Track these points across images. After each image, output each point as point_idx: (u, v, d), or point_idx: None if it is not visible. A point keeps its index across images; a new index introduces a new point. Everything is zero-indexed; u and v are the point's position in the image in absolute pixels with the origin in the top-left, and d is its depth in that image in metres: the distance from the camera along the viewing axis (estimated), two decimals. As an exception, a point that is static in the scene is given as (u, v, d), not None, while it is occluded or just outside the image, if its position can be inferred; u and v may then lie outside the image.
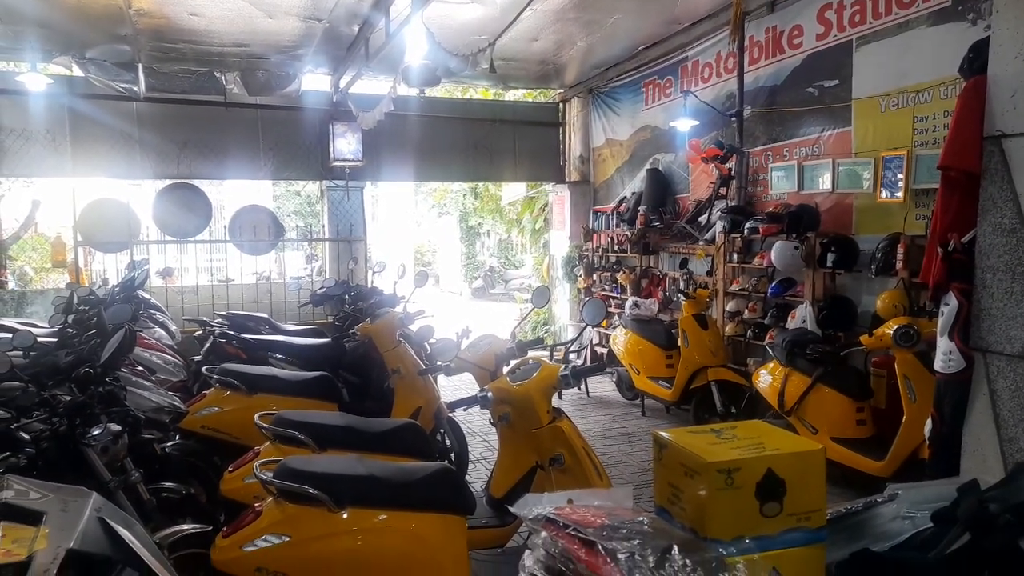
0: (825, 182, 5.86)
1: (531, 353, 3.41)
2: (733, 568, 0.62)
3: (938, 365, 2.79)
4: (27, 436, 2.49)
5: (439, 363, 3.45)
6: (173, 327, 6.65)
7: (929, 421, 3.01)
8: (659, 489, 0.85)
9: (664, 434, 0.85)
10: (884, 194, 5.27)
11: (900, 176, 5.12)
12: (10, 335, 3.77)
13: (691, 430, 0.86)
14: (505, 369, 3.15)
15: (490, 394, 2.90)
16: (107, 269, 8.76)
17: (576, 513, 0.71)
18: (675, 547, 0.64)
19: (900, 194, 5.13)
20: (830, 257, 5.47)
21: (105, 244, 8.09)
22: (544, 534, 0.74)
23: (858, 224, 5.62)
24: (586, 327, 3.55)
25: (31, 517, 0.53)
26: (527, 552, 0.76)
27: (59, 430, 2.62)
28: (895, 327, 4.35)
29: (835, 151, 5.79)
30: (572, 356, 2.87)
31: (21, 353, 3.58)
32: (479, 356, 3.46)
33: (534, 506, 0.74)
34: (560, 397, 3.83)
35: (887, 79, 5.27)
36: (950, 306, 2.65)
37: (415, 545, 2.62)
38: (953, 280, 2.63)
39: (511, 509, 0.76)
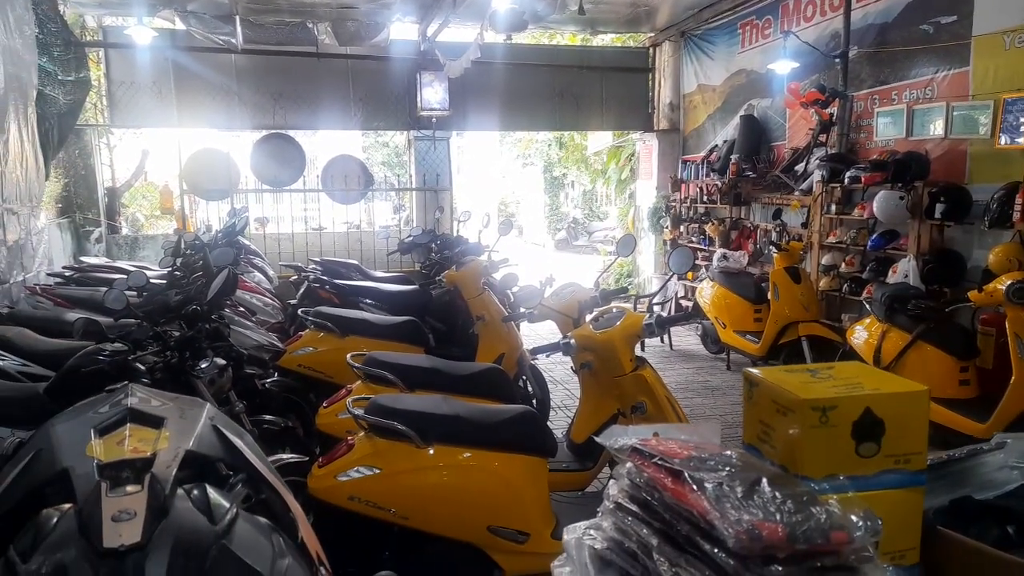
0: (937, 127, 5.47)
1: (614, 303, 3.40)
2: (825, 503, 0.61)
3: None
4: (142, 367, 2.69)
5: (523, 310, 3.48)
6: (271, 272, 6.98)
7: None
8: (748, 428, 0.84)
9: (756, 371, 0.83)
10: (1004, 140, 4.87)
11: (1023, 120, 4.71)
12: (125, 276, 4.05)
13: (785, 369, 0.84)
14: (588, 317, 3.14)
15: (573, 341, 2.92)
16: (210, 216, 9.22)
17: (663, 445, 0.71)
18: (764, 480, 0.63)
19: (1023, 140, 4.72)
20: (939, 208, 5.14)
21: (208, 192, 8.52)
22: (629, 464, 0.75)
23: (972, 173, 5.23)
24: (672, 276, 3.49)
25: (153, 421, 0.58)
26: (611, 482, 0.77)
27: (171, 362, 2.82)
28: (1008, 282, 4.06)
29: (950, 94, 5.38)
30: (656, 308, 2.83)
31: (135, 293, 3.87)
32: (562, 304, 3.47)
33: (620, 436, 0.75)
34: (643, 349, 3.80)
35: (1014, 12, 4.81)
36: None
37: (498, 483, 2.70)
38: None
39: (597, 439, 0.77)
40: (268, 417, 3.41)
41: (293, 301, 5.75)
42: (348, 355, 3.41)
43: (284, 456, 2.83)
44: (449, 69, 7.38)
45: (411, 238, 6.86)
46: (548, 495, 2.88)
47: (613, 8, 8.27)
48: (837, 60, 6.46)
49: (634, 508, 0.72)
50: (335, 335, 4.33)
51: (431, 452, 2.65)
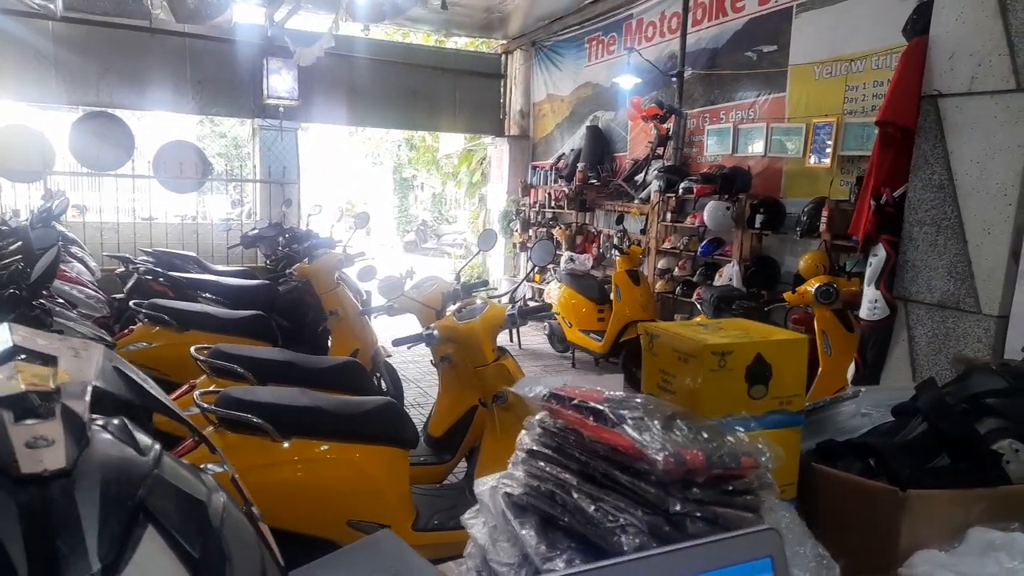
0: (758, 146, 6.06)
1: (476, 295, 3.44)
2: (733, 434, 0.67)
3: (864, 313, 2.99)
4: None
5: (386, 301, 3.43)
6: (92, 263, 6.34)
7: (852, 366, 3.22)
8: (648, 378, 0.90)
9: (655, 325, 0.90)
10: (813, 159, 5.50)
11: (829, 142, 5.34)
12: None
13: (679, 324, 0.92)
14: (451, 308, 3.17)
15: (436, 332, 2.92)
16: (17, 201, 8.20)
17: (578, 390, 0.75)
18: (677, 417, 0.69)
19: (828, 160, 5.36)
20: (759, 219, 5.70)
21: (15, 173, 7.57)
22: (541, 414, 0.78)
23: (786, 188, 5.85)
24: (534, 268, 3.60)
25: (44, 359, 0.52)
26: (523, 432, 0.80)
27: (-18, 354, 2.49)
28: (816, 285, 4.59)
29: (769, 116, 5.98)
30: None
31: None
32: (426, 295, 3.46)
33: (534, 385, 0.78)
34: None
35: (822, 47, 5.45)
36: (878, 257, 2.84)
37: (358, 476, 2.65)
38: (883, 232, 2.81)
39: (512, 390, 0.79)
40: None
41: (120, 295, 5.28)
42: (192, 348, 3.18)
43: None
44: (300, 57, 7.11)
45: (256, 231, 6.54)
46: (409, 487, 2.86)
47: (469, 12, 8.38)
48: (674, 79, 6.97)
49: (548, 452, 0.75)
50: (172, 329, 4.03)
51: (286, 446, 2.54)
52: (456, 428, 3.55)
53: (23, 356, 0.54)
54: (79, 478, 0.44)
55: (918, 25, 2.74)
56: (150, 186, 8.29)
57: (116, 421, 0.54)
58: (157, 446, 0.54)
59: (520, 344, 7.90)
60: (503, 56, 10.05)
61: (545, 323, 7.69)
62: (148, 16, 7.66)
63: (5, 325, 0.59)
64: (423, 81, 9.39)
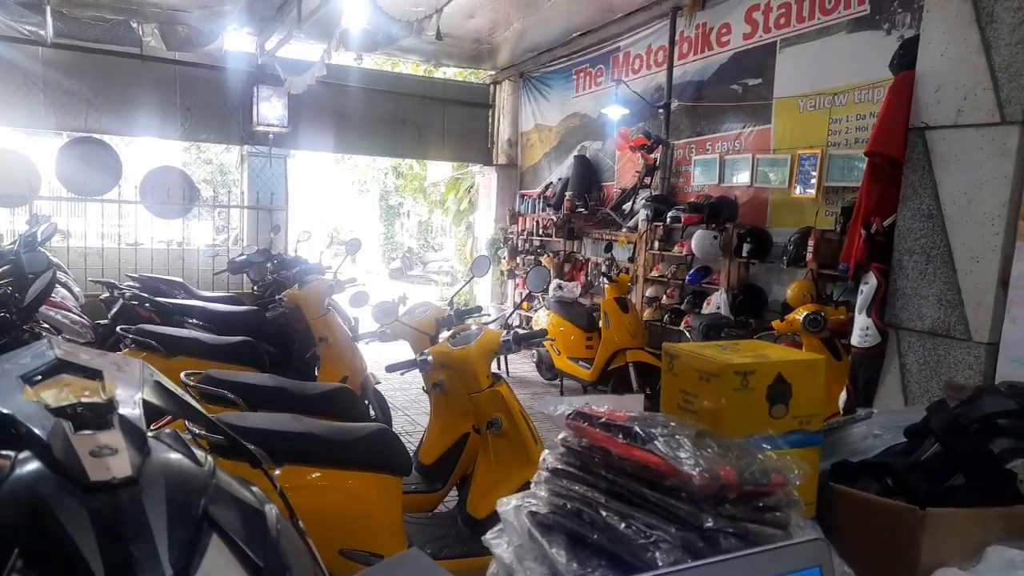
0: (744, 176, 6.15)
1: (468, 321, 3.44)
2: (761, 451, 0.68)
3: (855, 340, 3.02)
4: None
5: (379, 327, 3.42)
6: (76, 289, 6.27)
7: (844, 393, 3.24)
8: (668, 399, 0.90)
9: (674, 346, 0.91)
10: (798, 190, 5.59)
11: (814, 174, 5.44)
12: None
13: (698, 345, 0.92)
14: (444, 334, 3.16)
15: (430, 357, 2.91)
16: (1, 225, 8.12)
17: (601, 410, 0.75)
18: (705, 435, 0.69)
19: (813, 191, 5.45)
20: (746, 248, 5.75)
21: (1, 197, 7.50)
22: (564, 433, 0.78)
23: (772, 218, 5.93)
24: (527, 294, 3.60)
25: (90, 372, 0.51)
26: (546, 452, 0.80)
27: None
28: (804, 313, 4.62)
29: (755, 147, 6.08)
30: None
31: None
32: (420, 321, 3.46)
33: (558, 405, 0.78)
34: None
35: (806, 81, 5.58)
36: (869, 284, 2.88)
37: (351, 504, 2.61)
38: (873, 260, 2.85)
39: (543, 410, 0.79)
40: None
41: (104, 321, 5.21)
42: (182, 373, 3.14)
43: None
44: (291, 85, 7.16)
45: (244, 257, 6.50)
46: (401, 515, 2.82)
47: (458, 43, 8.49)
48: (661, 110, 7.09)
49: (573, 471, 0.75)
50: (161, 355, 3.97)
51: (278, 472, 2.51)
52: (447, 456, 3.52)
53: (68, 370, 0.54)
54: (145, 486, 0.43)
55: (904, 60, 2.81)
56: (136, 211, 8.24)
57: (168, 432, 0.54)
58: (210, 457, 0.54)
59: (508, 371, 7.87)
60: (492, 86, 10.17)
61: (533, 351, 7.68)
62: (139, 44, 7.70)
63: (44, 340, 0.58)
64: (412, 110, 9.48)
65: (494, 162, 10.07)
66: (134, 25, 7.59)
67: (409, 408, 6.41)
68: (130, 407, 0.51)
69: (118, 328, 4.23)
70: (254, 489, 0.57)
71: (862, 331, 2.89)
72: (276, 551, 0.48)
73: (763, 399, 0.84)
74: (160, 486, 0.44)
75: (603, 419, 0.72)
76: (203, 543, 0.44)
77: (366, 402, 4.74)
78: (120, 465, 0.43)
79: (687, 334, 5.73)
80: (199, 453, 0.54)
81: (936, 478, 0.92)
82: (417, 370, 3.03)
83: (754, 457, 0.66)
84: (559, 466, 0.76)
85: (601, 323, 6.59)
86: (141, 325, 4.30)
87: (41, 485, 0.41)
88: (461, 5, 6.78)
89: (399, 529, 2.80)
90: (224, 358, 4.15)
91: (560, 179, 8.72)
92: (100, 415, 0.47)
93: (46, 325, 4.32)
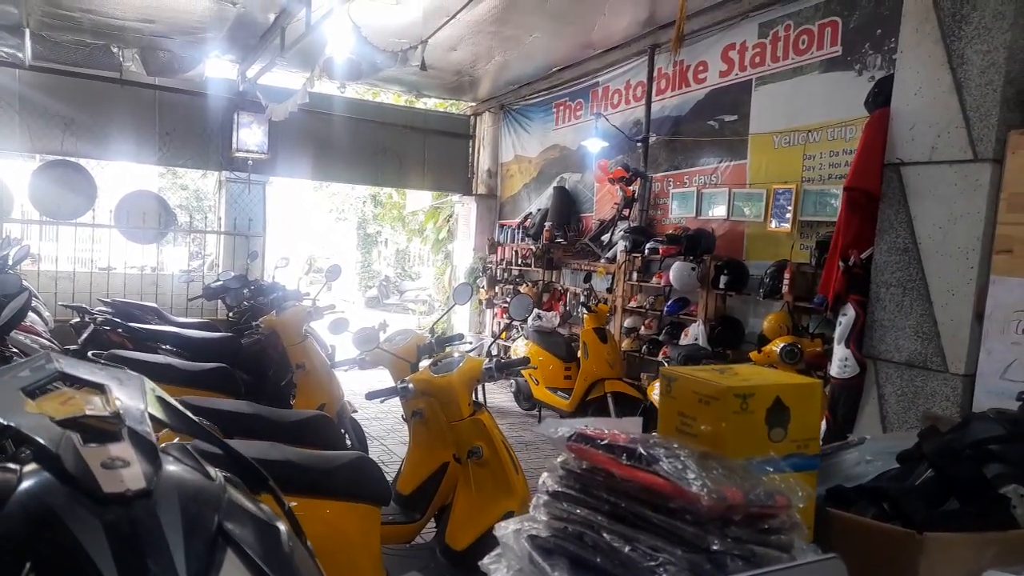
0: (720, 210, 6.25)
1: (449, 349, 3.42)
2: (764, 474, 0.68)
3: (834, 371, 3.05)
4: None
5: (359, 354, 3.39)
6: (46, 313, 6.14)
7: (823, 423, 3.27)
8: (666, 422, 0.90)
9: (673, 368, 0.91)
10: (773, 224, 5.69)
11: (789, 208, 5.54)
12: None
13: (695, 368, 0.93)
14: (426, 362, 3.14)
15: (411, 385, 2.88)
16: (-32, 247, 7.93)
17: (603, 432, 0.75)
18: (708, 457, 0.69)
19: (788, 225, 5.55)
20: (723, 279, 5.82)
21: (-31, 219, 7.37)
22: (563, 455, 0.77)
23: (749, 250, 6.02)
24: (510, 322, 3.59)
25: (92, 385, 0.50)
26: (545, 474, 0.79)
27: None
28: (781, 345, 4.68)
29: (731, 181, 6.19)
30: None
31: None
32: (401, 348, 3.43)
33: (559, 427, 0.77)
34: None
35: (781, 118, 5.71)
36: (847, 316, 2.92)
37: (329, 534, 2.55)
38: (851, 292, 2.90)
39: (537, 430, 0.78)
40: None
41: (74, 346, 5.10)
42: (156, 400, 3.08)
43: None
44: (272, 112, 7.16)
45: (220, 282, 6.42)
46: (380, 546, 2.77)
47: (440, 75, 8.58)
48: (639, 144, 7.20)
49: (573, 494, 0.75)
50: (133, 381, 3.90)
51: (256, 502, 2.45)
52: (426, 486, 3.47)
53: (70, 383, 0.52)
54: (160, 499, 0.42)
55: (879, 98, 2.90)
56: (110, 236, 8.12)
57: (177, 445, 0.53)
58: (220, 472, 0.53)
59: (486, 401, 7.80)
60: (472, 117, 10.27)
61: (511, 380, 7.64)
62: (119, 68, 7.67)
63: (46, 353, 0.57)
64: (393, 139, 9.52)
65: (474, 192, 10.12)
66: (114, 50, 7.57)
67: (386, 437, 6.33)
68: (138, 420, 0.49)
69: (89, 353, 4.13)
70: (263, 506, 0.56)
71: (841, 362, 2.93)
72: (290, 568, 0.47)
73: (762, 422, 0.85)
74: (174, 499, 0.43)
75: (605, 441, 0.71)
76: (218, 558, 0.43)
77: (343, 431, 4.68)
78: (134, 477, 0.42)
79: (665, 364, 5.75)
80: (209, 468, 0.53)
81: (931, 503, 0.93)
82: (397, 398, 2.99)
83: (758, 479, 0.66)
84: (559, 489, 0.75)
85: (580, 353, 6.59)
86: (113, 351, 4.21)
87: (52, 497, 0.40)
88: (444, 38, 6.87)
89: (377, 561, 2.74)
90: (198, 385, 4.07)
91: (539, 209, 8.78)
92: (110, 427, 0.45)
93: (15, 349, 4.21)
